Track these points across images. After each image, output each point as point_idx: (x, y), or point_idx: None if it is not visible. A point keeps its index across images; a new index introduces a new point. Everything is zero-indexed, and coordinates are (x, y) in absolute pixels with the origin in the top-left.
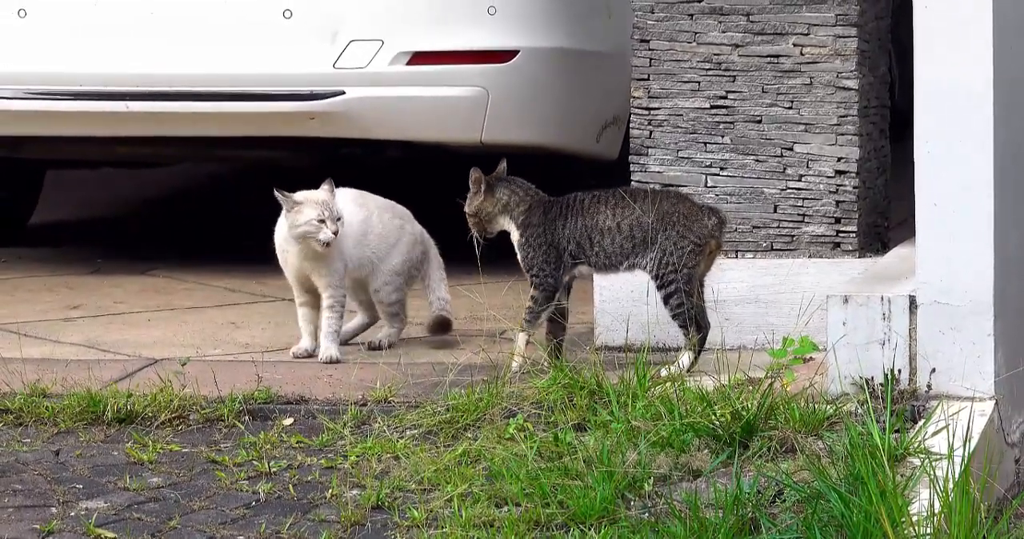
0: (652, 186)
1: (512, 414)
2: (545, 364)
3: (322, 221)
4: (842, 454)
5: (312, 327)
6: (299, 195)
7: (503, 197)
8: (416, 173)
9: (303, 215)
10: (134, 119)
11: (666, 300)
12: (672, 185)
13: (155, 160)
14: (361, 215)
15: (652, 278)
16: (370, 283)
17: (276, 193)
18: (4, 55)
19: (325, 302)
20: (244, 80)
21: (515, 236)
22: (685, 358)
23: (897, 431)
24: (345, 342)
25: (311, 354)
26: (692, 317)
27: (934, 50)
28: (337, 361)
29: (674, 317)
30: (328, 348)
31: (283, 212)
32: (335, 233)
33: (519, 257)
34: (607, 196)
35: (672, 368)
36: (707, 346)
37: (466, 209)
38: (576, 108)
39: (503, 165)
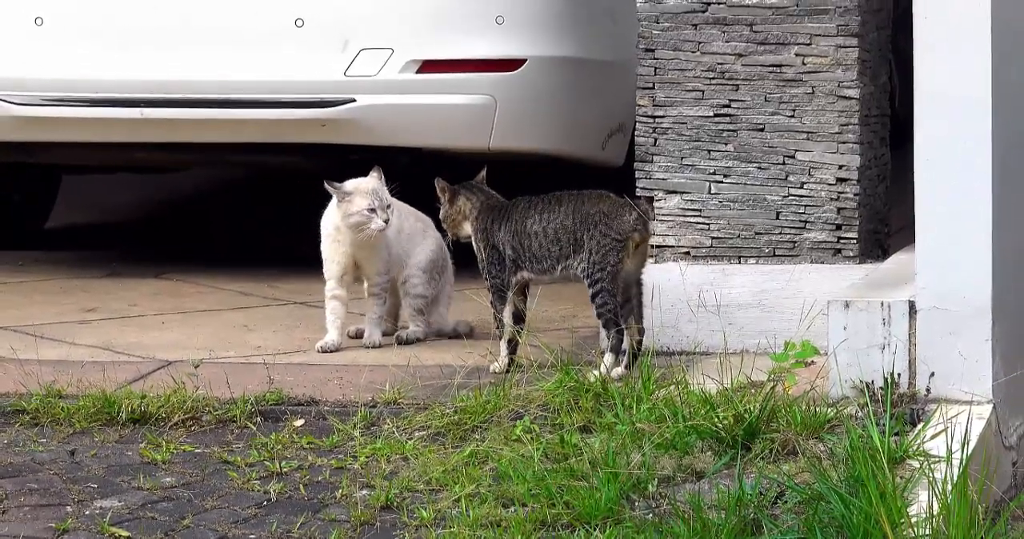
0: (656, 192)
1: (519, 416)
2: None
3: (372, 210)
4: (843, 456)
5: (340, 322)
6: (349, 185)
7: (461, 204)
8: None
9: (354, 205)
10: (148, 125)
11: (592, 298)
12: (676, 192)
13: (169, 165)
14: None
15: (584, 279)
16: (399, 276)
17: (327, 184)
18: (21, 62)
19: (370, 290)
20: (256, 87)
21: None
22: (608, 359)
23: (897, 434)
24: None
25: (339, 348)
26: (616, 316)
27: (934, 60)
28: (380, 346)
29: (598, 315)
30: (372, 334)
31: (333, 201)
32: (386, 222)
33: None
34: (538, 201)
35: (600, 370)
36: (708, 350)
37: (440, 216)
38: (582, 116)
39: (482, 173)
